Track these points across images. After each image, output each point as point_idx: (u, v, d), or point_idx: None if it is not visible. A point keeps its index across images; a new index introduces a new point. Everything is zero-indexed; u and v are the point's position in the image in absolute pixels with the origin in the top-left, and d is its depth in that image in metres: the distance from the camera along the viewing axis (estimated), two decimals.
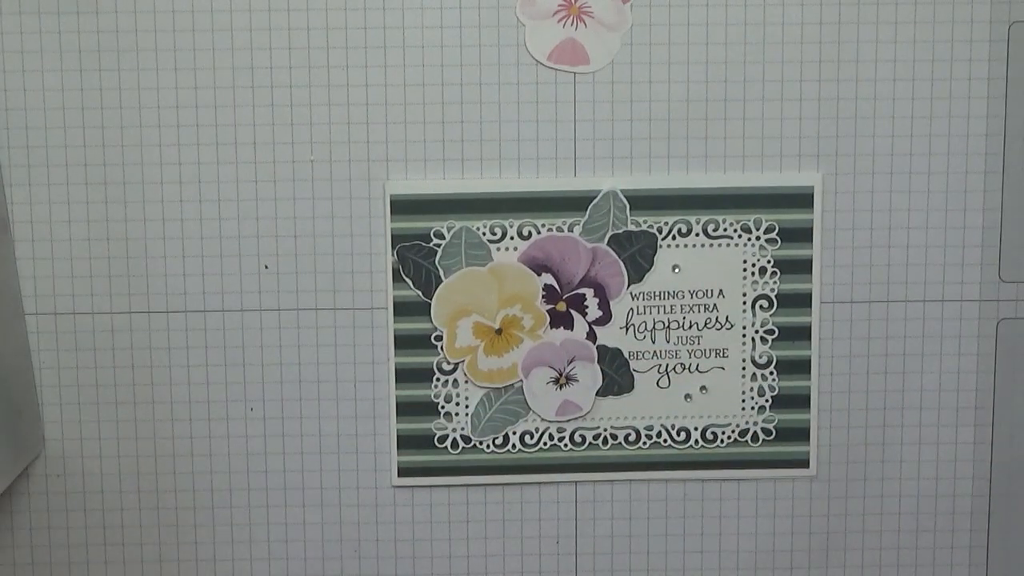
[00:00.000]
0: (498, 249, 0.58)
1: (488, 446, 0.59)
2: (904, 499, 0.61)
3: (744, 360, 0.59)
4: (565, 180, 0.58)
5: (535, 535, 0.60)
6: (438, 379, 0.59)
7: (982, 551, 0.61)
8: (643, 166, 0.58)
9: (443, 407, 0.59)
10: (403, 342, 0.59)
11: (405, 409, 0.59)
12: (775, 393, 0.60)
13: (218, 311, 0.58)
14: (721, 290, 0.59)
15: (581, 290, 0.58)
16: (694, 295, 0.59)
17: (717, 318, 0.59)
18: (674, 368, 0.59)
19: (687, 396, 0.59)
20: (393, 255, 0.58)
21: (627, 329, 0.59)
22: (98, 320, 0.58)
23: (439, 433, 0.59)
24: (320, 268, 0.58)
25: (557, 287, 0.58)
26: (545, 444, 0.59)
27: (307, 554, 0.60)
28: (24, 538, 0.59)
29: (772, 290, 0.59)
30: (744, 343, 0.59)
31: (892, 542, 0.61)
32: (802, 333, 0.59)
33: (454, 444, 0.59)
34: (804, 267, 0.59)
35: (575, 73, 0.57)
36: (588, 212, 0.58)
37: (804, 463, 0.60)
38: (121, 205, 0.57)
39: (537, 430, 0.59)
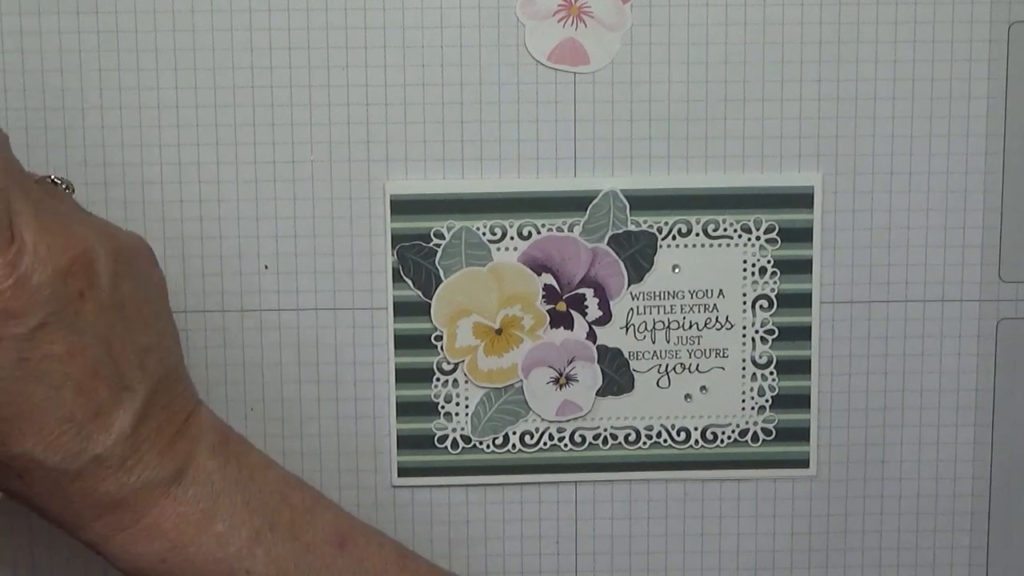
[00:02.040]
0: (498, 249, 0.58)
1: (488, 446, 0.59)
2: (904, 499, 0.61)
3: (744, 360, 0.59)
4: (565, 180, 0.58)
5: (535, 535, 0.60)
6: (438, 379, 0.59)
7: (982, 551, 0.61)
8: (643, 166, 0.58)
9: (443, 407, 0.59)
10: (403, 342, 0.59)
11: (405, 409, 0.59)
12: (775, 393, 0.60)
13: (218, 311, 0.58)
14: (721, 290, 0.59)
15: (581, 290, 0.58)
16: (694, 295, 0.59)
17: (717, 318, 0.59)
18: (674, 368, 0.59)
19: (687, 396, 0.60)
20: (393, 255, 0.58)
21: (627, 329, 0.59)
22: None
23: (439, 433, 0.59)
24: (320, 268, 0.58)
25: (557, 287, 0.58)
26: (545, 444, 0.60)
27: None
28: (24, 539, 0.59)
29: (772, 290, 0.59)
30: (744, 343, 0.59)
31: (892, 542, 0.61)
32: (802, 333, 0.59)
33: (454, 444, 0.59)
34: (804, 267, 0.59)
35: (575, 73, 0.57)
36: (588, 212, 0.58)
37: (804, 463, 0.60)
38: (121, 205, 0.57)
39: (537, 430, 0.59)
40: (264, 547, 0.49)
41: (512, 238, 0.58)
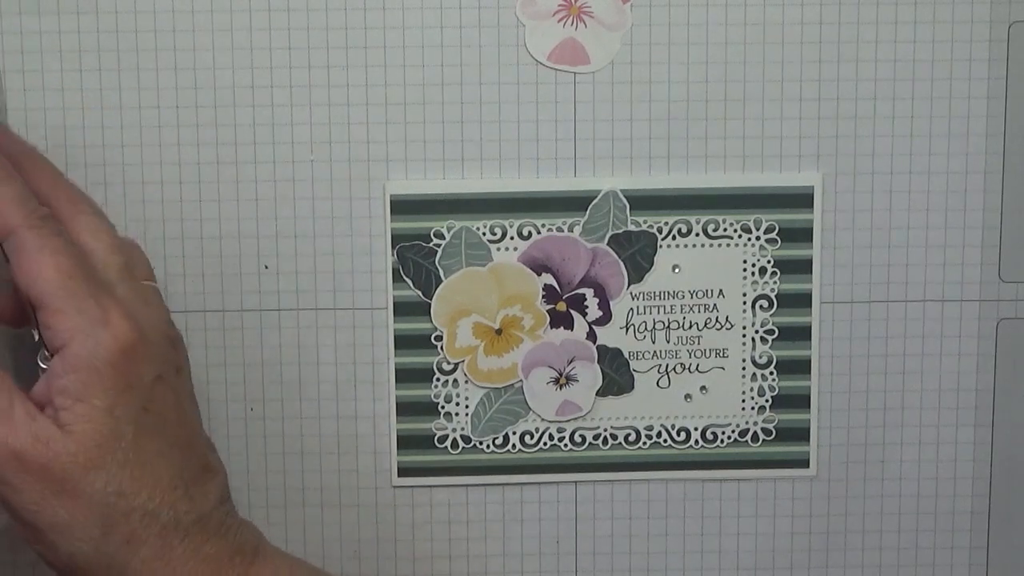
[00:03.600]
0: (498, 249, 0.58)
1: (488, 446, 0.59)
2: (904, 499, 0.61)
3: (744, 360, 0.59)
4: (565, 180, 0.58)
5: (535, 535, 0.60)
6: (438, 379, 0.59)
7: (982, 551, 0.61)
8: (643, 166, 0.58)
9: (443, 407, 0.59)
10: (403, 342, 0.59)
11: (405, 409, 0.59)
12: (775, 393, 0.60)
13: (218, 311, 0.58)
14: (721, 290, 0.59)
15: (581, 290, 0.58)
16: (694, 295, 0.59)
17: (717, 318, 0.59)
18: (674, 368, 0.59)
19: (687, 396, 0.59)
20: (393, 255, 0.58)
21: (627, 329, 0.59)
22: None
23: (439, 433, 0.59)
24: (320, 268, 0.58)
25: (557, 287, 0.58)
26: (545, 444, 0.60)
27: (307, 554, 0.60)
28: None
29: (772, 290, 0.59)
30: (744, 343, 0.59)
31: (892, 542, 0.61)
32: (802, 333, 0.59)
33: (454, 444, 0.59)
34: (804, 267, 0.59)
35: (575, 73, 0.57)
36: (588, 212, 0.58)
37: (804, 463, 0.60)
38: (121, 205, 0.57)
39: (537, 430, 0.59)
40: None
41: (512, 238, 0.58)
